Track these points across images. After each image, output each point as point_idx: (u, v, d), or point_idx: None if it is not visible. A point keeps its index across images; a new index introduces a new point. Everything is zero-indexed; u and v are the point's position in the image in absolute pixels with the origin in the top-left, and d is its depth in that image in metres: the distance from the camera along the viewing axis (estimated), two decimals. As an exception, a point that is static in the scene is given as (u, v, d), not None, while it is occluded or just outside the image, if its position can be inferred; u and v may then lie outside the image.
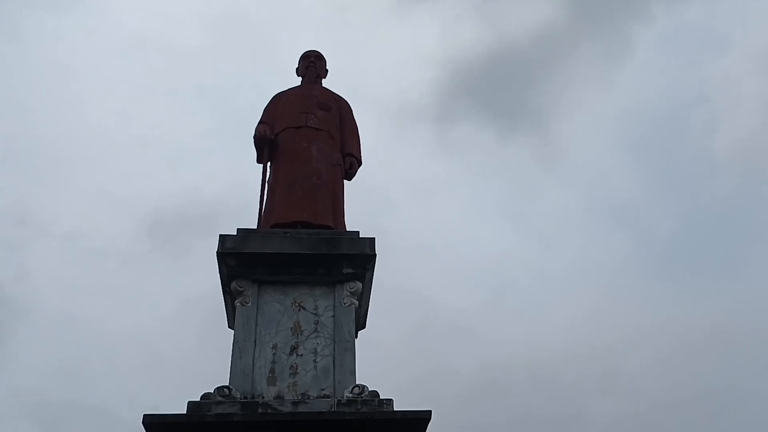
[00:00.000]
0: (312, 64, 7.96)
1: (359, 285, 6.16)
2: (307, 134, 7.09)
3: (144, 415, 4.98)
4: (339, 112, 7.51)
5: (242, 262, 6.05)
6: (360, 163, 7.41)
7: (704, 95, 22.84)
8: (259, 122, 7.35)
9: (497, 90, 23.73)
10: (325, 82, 8.07)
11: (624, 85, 23.20)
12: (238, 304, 5.97)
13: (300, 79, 7.99)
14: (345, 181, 7.21)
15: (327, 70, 8.15)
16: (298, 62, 8.11)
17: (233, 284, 6.04)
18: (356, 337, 6.13)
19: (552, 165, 23.07)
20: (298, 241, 6.19)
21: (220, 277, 6.19)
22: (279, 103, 7.51)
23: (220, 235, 6.11)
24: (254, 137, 7.17)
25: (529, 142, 25.50)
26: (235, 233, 6.23)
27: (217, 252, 6.02)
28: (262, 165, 7.07)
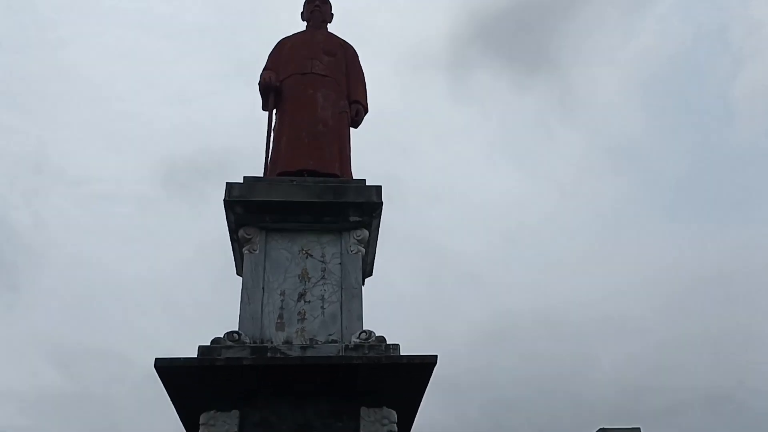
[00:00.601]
0: (317, 9, 7.77)
1: (366, 233, 6.18)
2: (313, 81, 6.99)
3: (155, 359, 5.10)
4: (345, 58, 7.36)
5: (249, 210, 6.08)
6: (366, 111, 7.32)
7: (725, 41, 22.27)
8: (264, 68, 7.23)
9: (513, 36, 23.26)
10: (332, 27, 7.91)
11: (643, 31, 22.64)
12: (246, 251, 6.03)
13: (305, 23, 7.84)
14: (351, 129, 7.16)
15: (332, 15, 7.95)
16: (302, 6, 7.94)
17: (241, 232, 6.09)
18: (363, 284, 6.20)
19: (567, 111, 22.79)
20: (305, 189, 6.20)
21: (228, 225, 6.24)
22: (284, 49, 7.37)
23: (227, 183, 6.12)
24: (259, 84, 7.06)
25: (545, 88, 25.11)
26: (242, 181, 6.25)
27: (224, 200, 6.05)
28: (267, 112, 7.02)
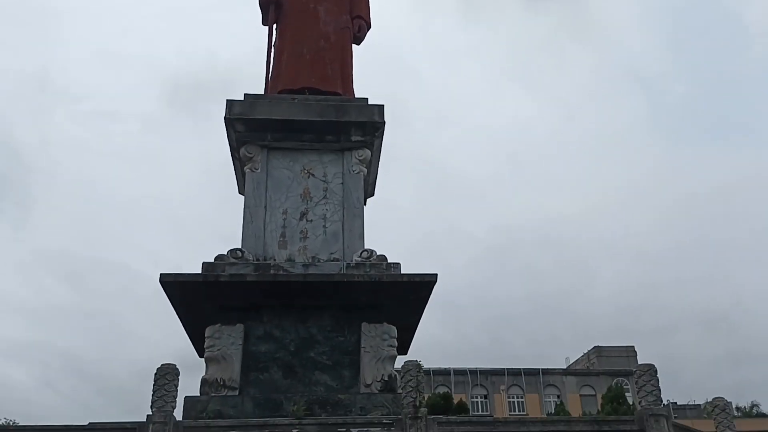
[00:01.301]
0: None
1: (368, 152, 6.15)
2: (315, -7, 6.76)
3: (161, 274, 5.19)
4: (347, -30, 7.09)
5: (250, 128, 6.03)
6: (369, 26, 7.11)
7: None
8: (264, -20, 6.99)
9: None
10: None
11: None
12: (248, 170, 6.02)
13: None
14: (354, 46, 6.99)
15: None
16: None
17: (242, 150, 6.06)
18: (365, 204, 6.23)
19: (579, 31, 22.21)
20: (306, 108, 6.12)
21: (229, 143, 6.21)
22: (284, -40, 7.09)
23: (228, 101, 6.05)
24: (258, -4, 6.85)
25: (558, 7, 24.33)
26: (242, 99, 6.16)
27: (225, 117, 5.99)
28: (267, 27, 6.83)
